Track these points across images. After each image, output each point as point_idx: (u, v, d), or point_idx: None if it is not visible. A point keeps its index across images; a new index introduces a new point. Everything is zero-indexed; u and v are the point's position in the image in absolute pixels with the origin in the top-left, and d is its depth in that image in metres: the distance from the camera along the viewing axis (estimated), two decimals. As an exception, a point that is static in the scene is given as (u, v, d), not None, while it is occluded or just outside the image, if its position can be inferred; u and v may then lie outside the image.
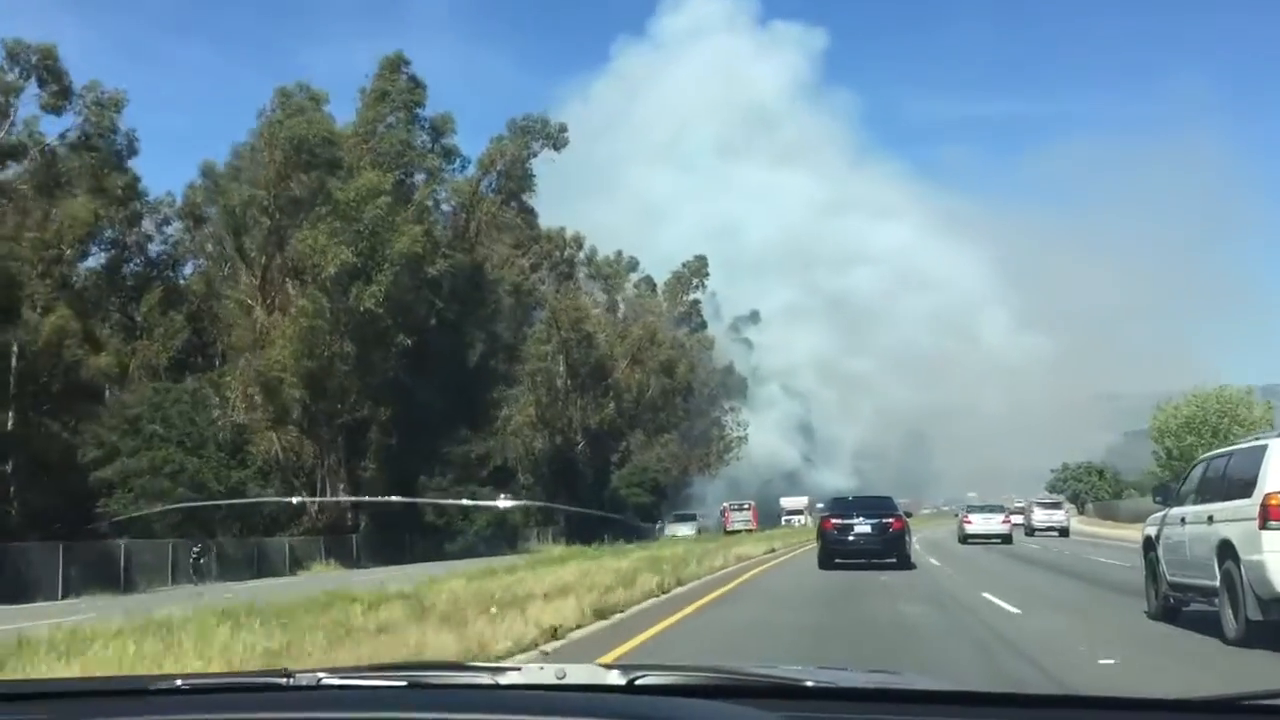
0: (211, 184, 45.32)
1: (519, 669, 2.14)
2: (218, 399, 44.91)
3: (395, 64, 47.82)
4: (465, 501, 63.63)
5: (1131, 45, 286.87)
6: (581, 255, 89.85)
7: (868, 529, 23.06)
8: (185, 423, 39.53)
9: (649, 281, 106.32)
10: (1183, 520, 11.66)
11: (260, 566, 40.80)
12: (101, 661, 8.42)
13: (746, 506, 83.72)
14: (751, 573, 23.40)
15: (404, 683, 2.06)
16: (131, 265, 45.79)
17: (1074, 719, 2.13)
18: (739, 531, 76.05)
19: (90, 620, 12.73)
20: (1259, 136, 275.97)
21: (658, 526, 50.17)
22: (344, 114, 47.66)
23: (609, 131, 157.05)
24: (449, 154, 50.53)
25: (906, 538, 23.76)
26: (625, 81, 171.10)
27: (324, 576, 35.66)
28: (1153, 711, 2.09)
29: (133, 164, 42.42)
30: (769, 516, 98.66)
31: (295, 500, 45.07)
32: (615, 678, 2.04)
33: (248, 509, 46.56)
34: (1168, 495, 13.02)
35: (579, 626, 12.28)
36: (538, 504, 78.63)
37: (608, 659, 8.51)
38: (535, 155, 51.51)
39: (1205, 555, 10.74)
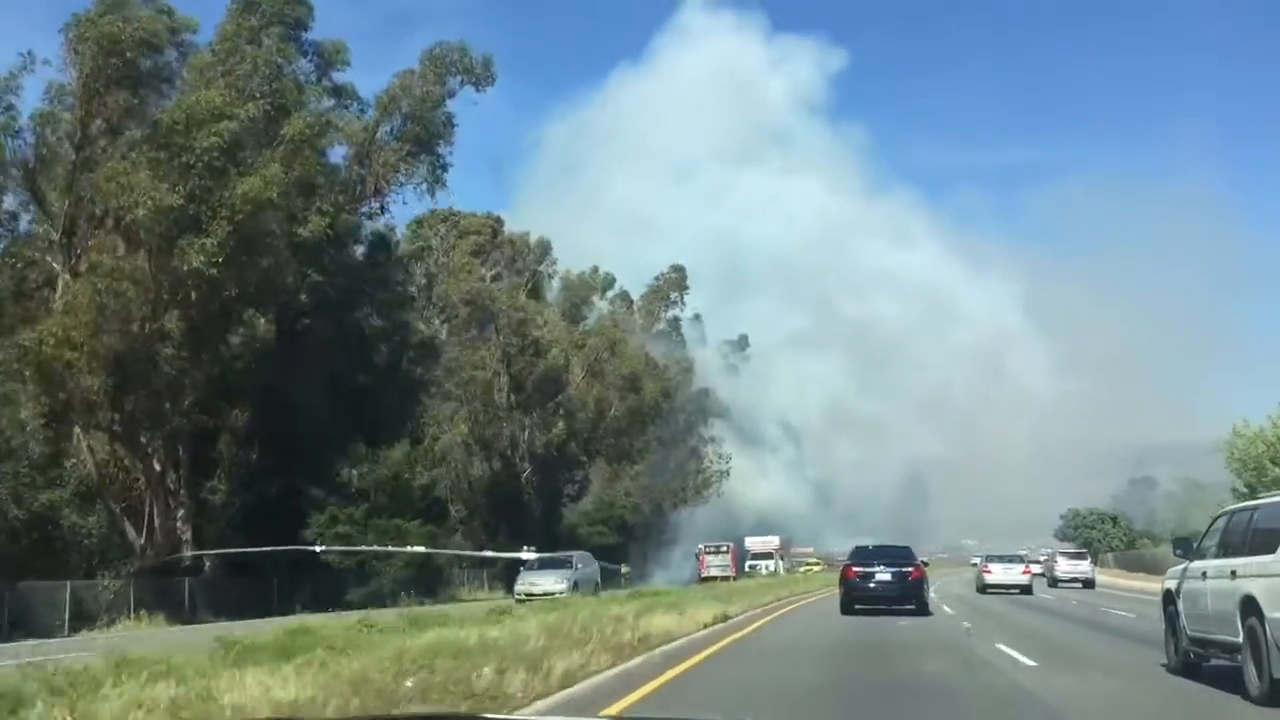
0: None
1: None
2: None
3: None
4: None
5: (1131, 92, 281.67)
6: (554, 268, 79.14)
7: (888, 576, 24.09)
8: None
9: (625, 297, 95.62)
10: (1204, 574, 11.58)
11: (30, 623, 29.24)
12: None
13: (724, 549, 72.08)
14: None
15: None
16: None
17: None
18: (715, 578, 64.58)
19: None
20: (1255, 182, 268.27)
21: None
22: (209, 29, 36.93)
23: (604, 150, 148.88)
24: (340, 93, 39.63)
25: (924, 585, 25.02)
26: (617, 104, 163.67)
27: (119, 636, 25.07)
28: None
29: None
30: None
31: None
32: None
33: (55, 542, 35.43)
34: (1188, 548, 12.63)
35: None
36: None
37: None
38: (453, 95, 40.56)
39: (1228, 610, 10.63)
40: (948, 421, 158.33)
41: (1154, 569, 59.16)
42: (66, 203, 32.65)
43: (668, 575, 78.41)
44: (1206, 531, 12.32)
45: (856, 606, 23.63)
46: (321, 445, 41.51)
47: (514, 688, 8.68)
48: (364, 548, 43.43)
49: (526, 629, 12.34)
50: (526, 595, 32.19)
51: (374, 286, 40.45)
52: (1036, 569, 47.55)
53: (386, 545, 57.70)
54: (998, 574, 39.92)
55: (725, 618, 20.35)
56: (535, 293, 75.68)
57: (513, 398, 59.15)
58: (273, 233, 32.04)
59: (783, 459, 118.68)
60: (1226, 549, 11.22)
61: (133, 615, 32.14)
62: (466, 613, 20.60)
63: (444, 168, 41.88)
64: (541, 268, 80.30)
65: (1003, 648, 15.54)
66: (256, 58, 35.51)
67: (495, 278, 72.10)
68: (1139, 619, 21.62)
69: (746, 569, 66.65)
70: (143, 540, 35.38)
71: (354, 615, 22.38)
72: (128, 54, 31.16)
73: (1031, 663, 13.69)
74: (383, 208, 42.13)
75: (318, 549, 42.57)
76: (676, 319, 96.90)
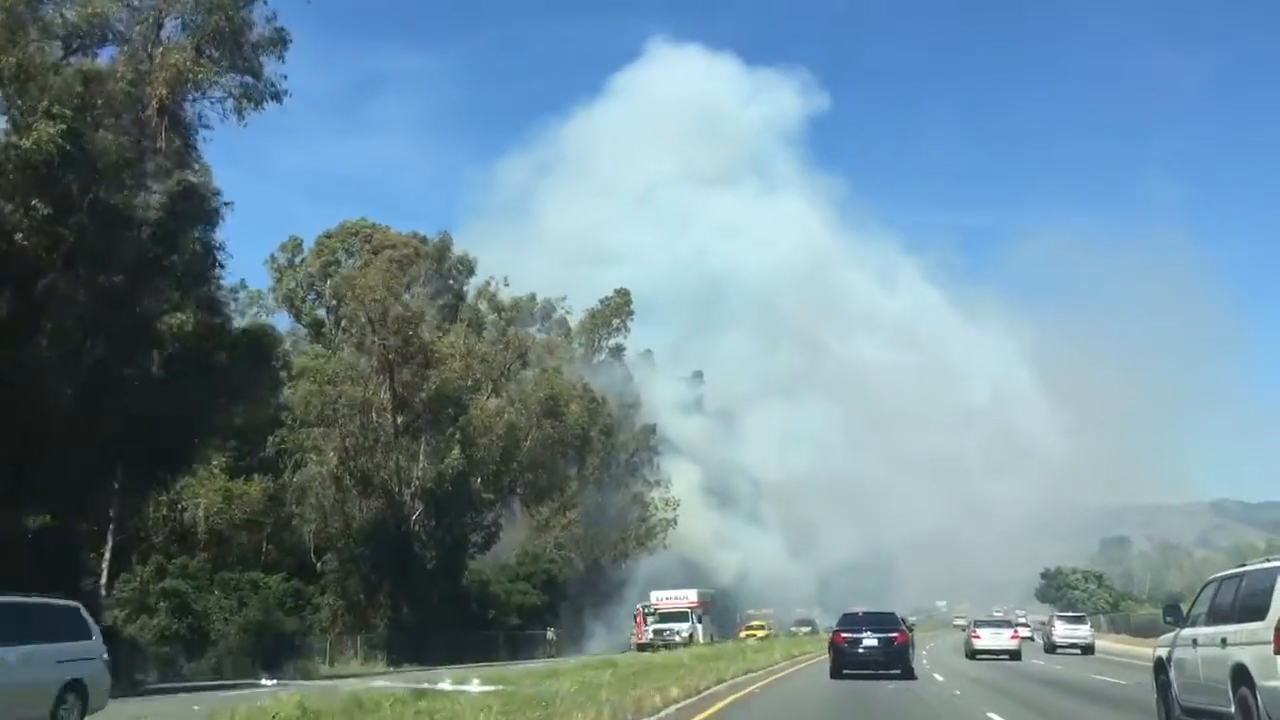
0: None
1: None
2: None
3: None
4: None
5: (1096, 159, 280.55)
6: (485, 287, 67.80)
7: (874, 642, 24.91)
8: None
9: (563, 324, 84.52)
10: (1194, 641, 11.53)
11: None
12: None
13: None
14: None
15: None
16: None
17: None
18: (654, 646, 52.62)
19: None
20: (1229, 243, 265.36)
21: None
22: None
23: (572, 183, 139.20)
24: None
25: (909, 650, 26.76)
26: (583, 135, 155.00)
27: None
28: None
29: None
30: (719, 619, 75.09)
31: None
32: None
33: None
34: (1179, 615, 12.73)
35: None
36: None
37: None
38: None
39: (1219, 679, 10.59)
40: (916, 481, 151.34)
41: (1149, 633, 61.53)
42: None
43: (609, 640, 66.67)
44: (1196, 598, 12.38)
45: (845, 671, 24.54)
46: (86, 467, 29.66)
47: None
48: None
49: None
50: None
51: (110, 229, 28.49)
52: (1025, 632, 48.37)
53: (234, 601, 45.89)
54: (987, 639, 39.88)
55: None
56: (453, 315, 64.48)
57: (397, 419, 47.49)
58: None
59: (744, 512, 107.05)
60: (1217, 616, 11.28)
61: None
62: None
63: (272, 89, 30.72)
64: (469, 290, 69.30)
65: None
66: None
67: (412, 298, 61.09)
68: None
69: (646, 636, 53.64)
70: None
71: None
72: None
73: None
74: (188, 143, 30.80)
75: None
76: (620, 347, 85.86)
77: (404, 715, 13.29)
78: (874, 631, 25.27)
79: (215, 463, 46.68)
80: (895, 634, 25.28)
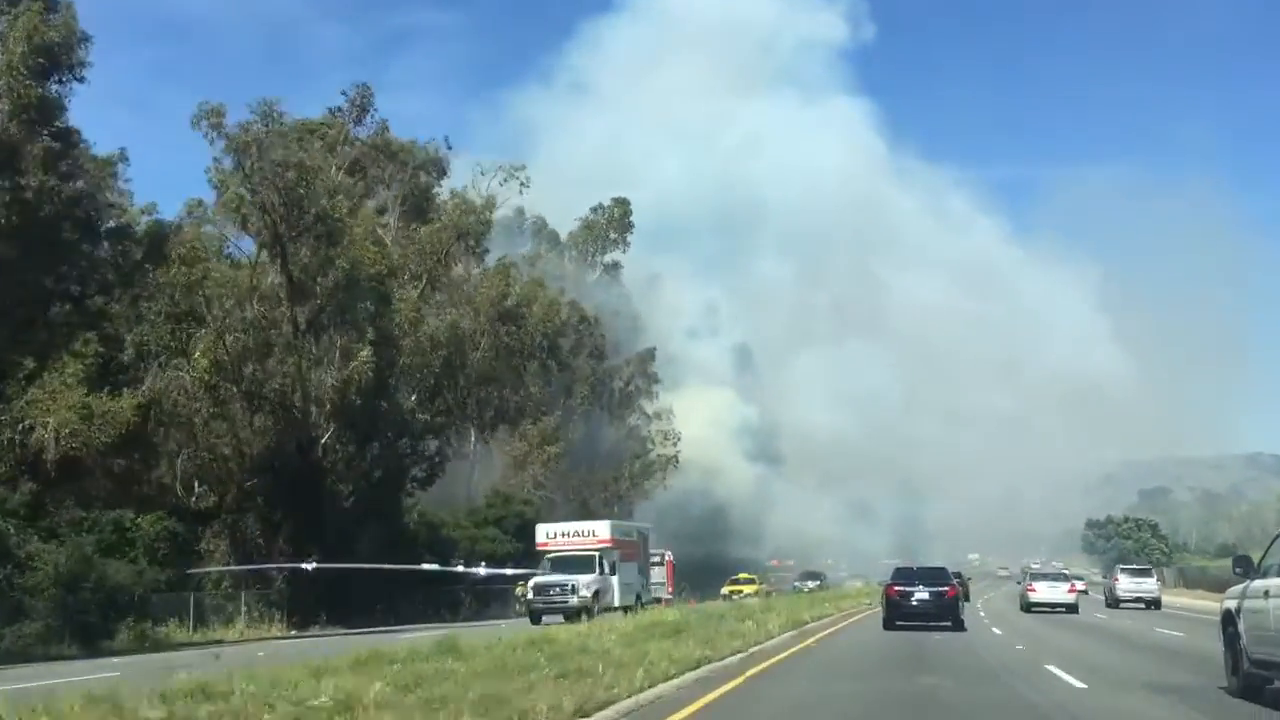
0: None
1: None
2: None
3: None
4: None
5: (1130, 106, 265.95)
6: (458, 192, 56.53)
7: (926, 595, 26.29)
8: None
9: (553, 238, 73.66)
10: (1266, 593, 11.03)
11: None
12: None
13: (659, 559, 49.38)
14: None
15: None
16: None
17: None
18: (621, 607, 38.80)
19: None
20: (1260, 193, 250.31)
21: None
22: None
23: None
24: None
25: (960, 603, 27.74)
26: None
27: None
28: None
29: None
30: (708, 573, 64.30)
31: None
32: None
33: None
34: (1249, 566, 12.23)
35: None
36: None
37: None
38: None
39: None
40: (947, 428, 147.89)
41: (1199, 584, 59.27)
42: None
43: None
44: (1269, 549, 11.96)
45: (898, 622, 25.71)
46: None
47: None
48: None
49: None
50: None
51: None
52: (1081, 586, 48.39)
53: (85, 551, 35.54)
54: (1043, 592, 39.72)
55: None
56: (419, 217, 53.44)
57: (296, 314, 36.81)
58: None
59: (766, 452, 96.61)
60: None
61: None
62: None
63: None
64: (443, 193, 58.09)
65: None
66: None
67: (381, 209, 50.38)
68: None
69: (526, 597, 33.91)
70: None
71: None
72: None
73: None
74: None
75: None
76: (617, 264, 74.62)
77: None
78: (926, 586, 26.61)
79: (71, 371, 36.57)
80: (946, 588, 26.58)
